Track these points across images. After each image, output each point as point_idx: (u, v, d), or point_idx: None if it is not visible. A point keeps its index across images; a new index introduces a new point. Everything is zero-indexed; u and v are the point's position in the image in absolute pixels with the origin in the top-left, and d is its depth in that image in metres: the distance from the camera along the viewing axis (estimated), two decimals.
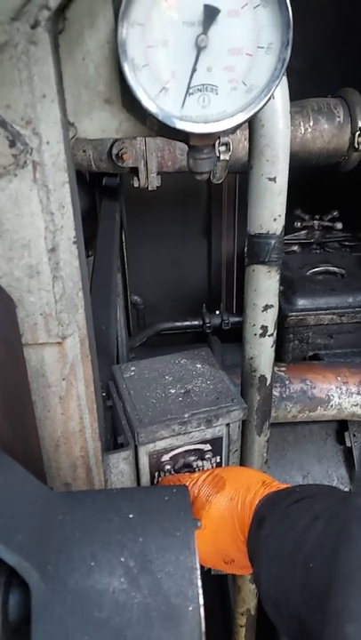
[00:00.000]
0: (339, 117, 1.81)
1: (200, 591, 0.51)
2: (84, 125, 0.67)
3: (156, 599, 0.50)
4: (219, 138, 0.66)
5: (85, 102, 0.66)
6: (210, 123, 0.62)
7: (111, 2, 0.61)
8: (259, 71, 0.61)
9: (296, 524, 0.70)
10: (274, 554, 0.71)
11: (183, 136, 0.65)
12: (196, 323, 2.53)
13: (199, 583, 0.52)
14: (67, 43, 0.63)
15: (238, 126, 0.64)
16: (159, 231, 2.69)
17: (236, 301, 2.87)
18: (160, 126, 0.64)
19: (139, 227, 2.53)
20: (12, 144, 0.59)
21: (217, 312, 2.55)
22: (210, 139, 0.65)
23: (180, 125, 0.62)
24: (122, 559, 0.51)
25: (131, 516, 0.55)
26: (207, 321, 2.48)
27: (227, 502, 0.87)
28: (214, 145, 0.67)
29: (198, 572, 0.52)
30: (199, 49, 0.59)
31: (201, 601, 0.51)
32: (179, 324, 2.55)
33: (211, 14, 0.58)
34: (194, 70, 0.60)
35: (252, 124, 0.79)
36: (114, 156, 1.77)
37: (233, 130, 0.64)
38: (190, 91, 0.61)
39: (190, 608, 0.50)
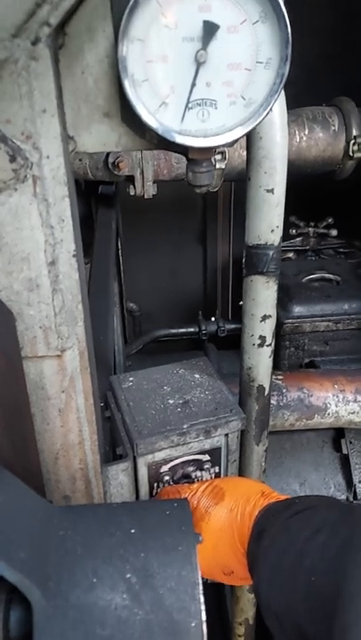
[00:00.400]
0: (334, 126, 1.82)
1: (203, 607, 0.51)
2: (83, 139, 0.68)
3: (159, 615, 0.50)
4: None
5: (85, 116, 0.66)
6: (209, 137, 0.63)
7: (110, 17, 0.62)
8: (258, 86, 0.61)
9: (297, 536, 0.70)
10: (275, 565, 0.71)
11: (183, 149, 0.65)
12: (192, 330, 2.53)
13: (202, 599, 0.51)
14: (66, 57, 0.63)
15: (237, 140, 0.64)
16: (155, 239, 2.69)
17: (231, 308, 2.87)
18: (160, 140, 0.64)
19: (135, 234, 2.54)
20: (13, 159, 0.60)
21: (213, 319, 2.55)
22: (209, 152, 0.66)
23: (179, 139, 0.62)
24: (124, 575, 0.51)
25: (132, 530, 0.55)
26: (203, 328, 2.48)
27: (226, 514, 0.87)
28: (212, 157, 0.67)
29: (201, 588, 0.52)
30: (198, 64, 0.60)
31: (204, 617, 0.51)
32: (175, 330, 2.55)
33: (210, 30, 0.58)
34: (193, 85, 0.61)
35: (250, 136, 0.79)
36: (110, 165, 1.77)
37: (232, 143, 0.65)
38: (190, 105, 0.61)
39: (193, 624, 0.50)
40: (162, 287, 2.83)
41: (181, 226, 2.74)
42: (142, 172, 1.78)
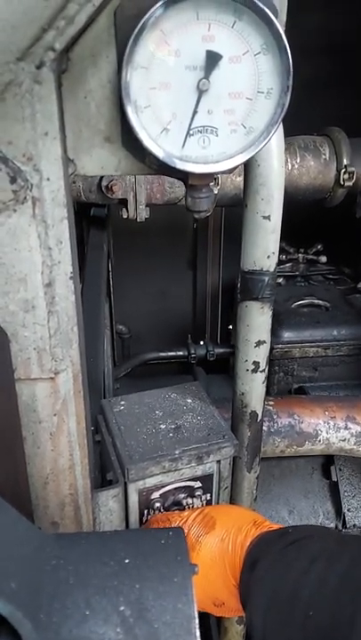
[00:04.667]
0: (325, 155, 1.86)
1: None
2: (83, 162, 0.68)
3: None
4: None
5: (86, 140, 0.66)
6: (210, 163, 0.63)
7: (114, 43, 0.62)
8: (258, 115, 0.62)
9: (292, 567, 0.68)
10: (270, 597, 0.69)
11: (182, 175, 0.66)
12: (180, 353, 2.52)
13: (197, 633, 0.50)
14: (69, 81, 0.63)
15: (237, 167, 0.65)
16: (145, 262, 2.70)
17: (220, 332, 2.87)
18: (160, 165, 0.65)
19: (125, 257, 2.54)
20: (13, 180, 0.59)
21: (201, 343, 2.55)
22: (209, 178, 0.66)
23: (180, 165, 0.62)
24: (118, 607, 0.50)
25: (127, 560, 0.53)
26: (192, 352, 2.48)
27: (217, 543, 0.86)
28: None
29: (197, 621, 0.50)
30: (200, 92, 0.60)
31: None
32: (164, 354, 2.54)
33: (213, 60, 0.59)
34: (195, 112, 0.61)
35: (248, 163, 0.80)
36: (103, 188, 1.78)
37: (232, 170, 0.65)
38: (191, 132, 0.62)
39: None
40: (151, 310, 2.83)
41: (172, 250, 2.76)
42: (135, 196, 1.80)
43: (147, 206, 1.83)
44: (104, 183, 1.77)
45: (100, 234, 2.02)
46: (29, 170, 0.61)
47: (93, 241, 1.95)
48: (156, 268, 2.73)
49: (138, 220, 1.83)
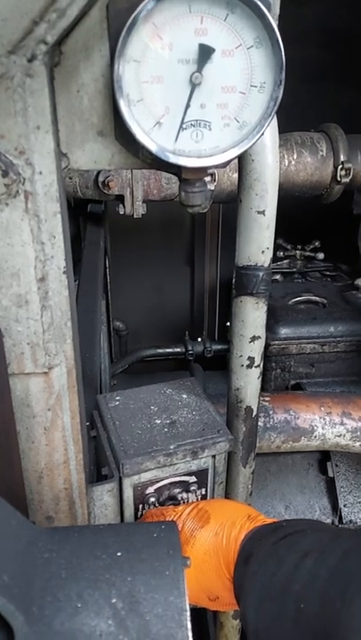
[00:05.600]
0: (321, 151, 1.85)
1: (190, 634, 0.50)
2: (76, 156, 0.68)
3: None
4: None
5: (79, 133, 0.66)
6: (203, 157, 0.63)
7: (107, 37, 0.62)
8: (251, 109, 0.62)
9: (285, 561, 0.69)
10: (262, 591, 0.70)
11: (176, 169, 0.66)
12: (178, 350, 2.52)
13: (189, 626, 0.50)
14: (62, 75, 0.63)
15: (230, 161, 0.65)
16: (143, 258, 2.70)
17: (218, 329, 2.87)
18: (153, 159, 0.65)
19: (122, 253, 2.54)
20: (5, 174, 0.59)
21: (199, 339, 2.55)
22: (202, 172, 0.66)
23: (173, 159, 0.62)
24: (110, 600, 0.50)
25: (119, 553, 0.54)
26: (190, 348, 2.48)
27: (212, 537, 0.86)
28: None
29: (188, 614, 0.51)
30: (193, 86, 0.60)
31: None
32: (161, 350, 2.54)
33: (205, 53, 0.59)
34: (188, 106, 0.61)
35: (242, 158, 0.80)
36: (100, 184, 1.78)
37: (225, 164, 0.65)
38: (184, 126, 0.62)
39: None
40: (149, 307, 2.83)
41: (169, 246, 2.76)
42: (132, 192, 1.79)
43: (143, 202, 1.83)
44: (101, 179, 1.77)
45: (97, 230, 2.01)
46: (22, 164, 0.61)
47: (90, 237, 1.94)
48: (153, 264, 2.73)
49: (135, 216, 1.83)
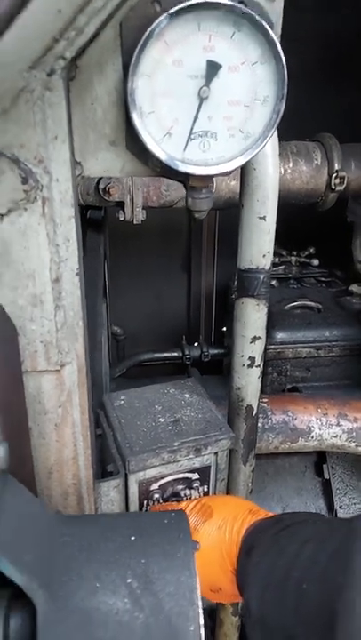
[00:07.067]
0: (316, 160, 1.90)
1: (200, 611, 0.53)
2: (89, 164, 0.71)
3: (159, 619, 0.52)
4: None
5: (92, 143, 0.70)
6: (210, 166, 0.67)
7: (120, 53, 0.66)
8: (255, 121, 0.66)
9: (285, 550, 0.72)
10: (265, 579, 0.73)
11: (184, 177, 0.69)
12: (175, 354, 2.55)
13: (200, 603, 0.53)
14: (77, 88, 0.67)
15: (235, 169, 0.69)
16: (140, 263, 2.73)
17: (214, 334, 2.91)
18: (162, 168, 0.68)
19: (120, 259, 2.57)
20: (25, 181, 0.63)
21: (196, 344, 2.58)
22: (208, 180, 0.70)
23: (182, 168, 0.66)
24: (125, 579, 0.53)
25: (132, 537, 0.57)
26: (187, 352, 2.51)
27: (215, 531, 0.89)
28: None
29: (198, 593, 0.54)
30: (201, 99, 0.64)
31: (201, 621, 0.53)
32: (159, 355, 2.57)
33: (213, 69, 0.63)
34: (196, 118, 0.65)
35: (244, 166, 0.84)
36: (101, 191, 1.81)
37: (230, 172, 0.69)
38: (192, 136, 0.66)
39: (191, 628, 0.52)
40: (146, 312, 2.86)
41: (167, 252, 2.79)
42: (132, 199, 1.83)
43: (143, 209, 1.87)
44: (102, 186, 1.80)
45: (97, 236, 2.05)
46: (40, 171, 0.64)
47: (90, 243, 1.98)
48: (150, 269, 2.77)
49: (135, 222, 1.86)
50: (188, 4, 0.58)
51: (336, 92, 2.33)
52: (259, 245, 0.88)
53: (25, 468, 0.80)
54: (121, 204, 1.85)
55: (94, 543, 0.56)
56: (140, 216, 1.86)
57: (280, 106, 0.65)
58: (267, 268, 0.89)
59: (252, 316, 0.93)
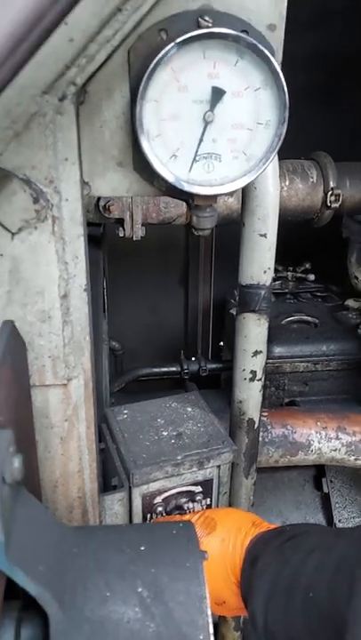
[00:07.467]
0: (312, 178, 1.94)
1: (210, 620, 0.54)
2: (97, 185, 0.74)
3: (169, 628, 0.53)
4: None
5: (100, 164, 0.73)
6: (214, 186, 0.70)
7: (127, 79, 0.69)
8: (258, 143, 0.69)
9: (290, 560, 0.73)
10: (270, 588, 0.74)
11: (189, 197, 0.72)
12: (174, 369, 2.56)
13: (209, 612, 0.55)
14: (86, 112, 0.70)
15: (238, 189, 0.71)
16: (138, 279, 2.75)
17: (211, 348, 2.93)
18: (168, 188, 0.71)
19: (118, 274, 2.60)
20: (36, 200, 0.65)
21: (193, 359, 2.60)
22: (212, 199, 0.73)
23: (187, 188, 0.69)
24: (135, 589, 0.54)
25: (142, 547, 0.58)
26: (185, 367, 2.52)
27: (218, 543, 0.90)
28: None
29: (208, 602, 0.55)
30: (206, 123, 0.67)
31: (211, 630, 0.54)
32: (157, 369, 2.58)
33: (217, 94, 0.66)
34: (201, 141, 0.68)
35: (245, 186, 0.86)
36: (101, 208, 1.84)
37: (233, 192, 0.72)
38: (197, 158, 0.69)
39: (201, 637, 0.53)
40: (144, 327, 2.88)
41: (164, 267, 2.82)
42: (132, 215, 1.86)
43: (142, 225, 1.89)
44: (102, 203, 1.83)
45: (97, 252, 2.07)
46: (50, 191, 0.67)
47: (90, 259, 2.00)
48: (148, 285, 2.79)
49: (134, 238, 1.89)
50: (194, 33, 0.61)
51: (330, 110, 2.38)
52: (260, 262, 0.90)
53: (31, 482, 0.81)
54: (120, 221, 1.88)
55: (105, 553, 0.57)
56: (139, 232, 1.89)
57: (282, 129, 0.68)
58: (268, 283, 0.92)
59: (254, 331, 0.95)
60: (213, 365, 2.55)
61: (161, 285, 2.85)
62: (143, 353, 2.83)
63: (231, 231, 1.10)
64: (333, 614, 0.58)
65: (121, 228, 1.89)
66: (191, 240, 2.72)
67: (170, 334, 2.94)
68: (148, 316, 2.88)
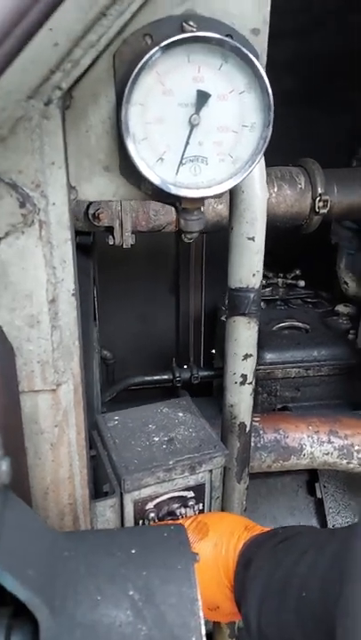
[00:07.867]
0: (300, 184, 1.95)
1: (202, 621, 0.54)
2: (84, 189, 0.74)
3: (161, 630, 0.52)
4: None
5: (87, 168, 0.73)
6: (201, 189, 0.70)
7: (113, 83, 0.69)
8: (243, 146, 0.69)
9: (283, 562, 0.73)
10: (263, 591, 0.73)
11: (176, 200, 0.72)
12: (166, 377, 2.56)
13: (201, 614, 0.54)
14: (72, 117, 0.70)
15: (225, 191, 0.72)
16: (129, 287, 2.75)
17: (203, 356, 2.92)
18: (155, 191, 0.71)
19: (109, 283, 2.59)
20: (22, 205, 0.65)
21: (185, 366, 2.59)
22: (200, 202, 0.73)
23: (174, 191, 0.69)
24: (127, 592, 0.54)
25: (133, 551, 0.58)
26: (177, 375, 2.52)
27: (211, 548, 0.90)
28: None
29: (200, 604, 0.55)
30: (192, 126, 0.68)
31: (203, 631, 0.53)
32: (149, 378, 2.58)
33: (203, 98, 0.66)
34: (187, 144, 0.68)
35: (233, 190, 0.87)
36: (90, 216, 1.84)
37: (220, 194, 0.72)
38: (183, 161, 0.69)
39: (193, 638, 0.53)
40: (135, 336, 2.87)
41: (155, 275, 2.82)
42: (121, 223, 1.86)
43: (132, 233, 1.90)
44: (91, 211, 1.83)
45: (87, 260, 2.07)
46: (37, 196, 0.67)
47: (80, 267, 2.00)
48: (139, 293, 2.79)
49: (124, 246, 1.89)
50: (178, 37, 0.62)
51: (317, 116, 2.41)
52: (249, 265, 0.91)
53: (21, 489, 0.80)
54: (110, 229, 1.88)
55: (95, 557, 0.57)
56: (129, 240, 1.89)
57: (267, 132, 0.68)
58: (257, 287, 0.92)
59: (244, 334, 0.95)
60: (205, 373, 2.55)
61: (152, 293, 2.85)
62: (135, 361, 2.82)
63: (221, 238, 1.11)
64: (325, 616, 0.57)
65: (111, 237, 1.89)
66: (181, 247, 2.72)
67: (161, 342, 2.93)
68: (139, 324, 2.88)
